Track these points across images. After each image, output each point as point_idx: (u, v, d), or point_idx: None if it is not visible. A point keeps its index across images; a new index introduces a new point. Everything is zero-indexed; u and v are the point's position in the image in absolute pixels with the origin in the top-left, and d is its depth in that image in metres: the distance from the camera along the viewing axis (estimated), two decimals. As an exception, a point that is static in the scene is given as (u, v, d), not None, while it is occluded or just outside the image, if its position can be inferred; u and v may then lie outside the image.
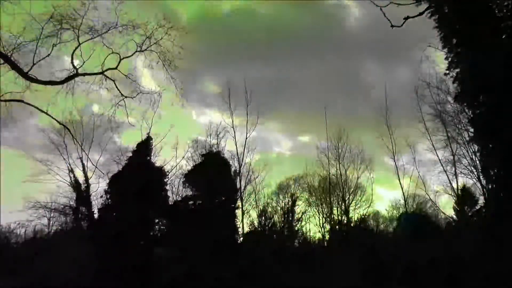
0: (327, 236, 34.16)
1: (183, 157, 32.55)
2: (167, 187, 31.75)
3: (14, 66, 14.42)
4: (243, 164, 33.10)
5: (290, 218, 33.57)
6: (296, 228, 34.01)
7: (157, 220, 30.84)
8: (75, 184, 30.68)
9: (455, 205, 30.59)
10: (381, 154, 35.60)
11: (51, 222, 32.93)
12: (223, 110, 34.71)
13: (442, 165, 30.78)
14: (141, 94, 17.89)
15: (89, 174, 30.99)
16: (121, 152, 31.60)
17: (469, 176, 29.84)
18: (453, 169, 30.38)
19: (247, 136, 33.66)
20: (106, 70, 17.16)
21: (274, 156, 51.35)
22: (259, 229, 32.86)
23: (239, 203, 31.89)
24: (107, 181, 30.42)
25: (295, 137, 62.80)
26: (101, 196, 30.43)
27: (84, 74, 16.69)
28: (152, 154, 32.00)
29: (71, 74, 16.09)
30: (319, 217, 34.49)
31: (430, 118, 31.63)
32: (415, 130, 33.00)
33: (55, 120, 17.72)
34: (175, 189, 32.00)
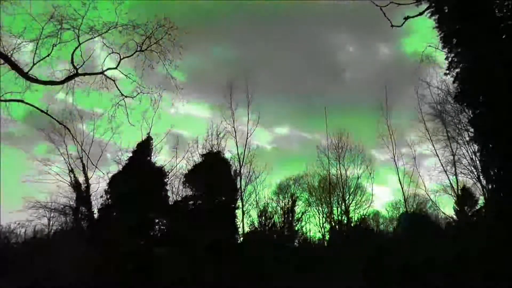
0: (327, 236, 34.20)
1: (183, 157, 32.62)
2: (167, 187, 31.77)
3: (14, 66, 14.42)
4: (243, 164, 33.19)
5: (290, 218, 33.56)
6: (296, 228, 34.00)
7: (157, 220, 30.84)
8: (75, 184, 30.68)
9: (455, 205, 30.64)
10: (381, 154, 35.75)
11: (51, 222, 33.00)
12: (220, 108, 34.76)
13: (442, 165, 30.87)
14: (141, 94, 17.86)
15: (89, 174, 31.06)
16: (121, 152, 31.59)
17: (469, 176, 29.95)
18: (453, 169, 30.47)
19: (248, 136, 33.78)
20: (106, 70, 17.17)
21: (254, 150, 49.52)
22: (259, 229, 32.85)
23: (239, 203, 31.93)
24: (107, 181, 30.47)
25: (272, 129, 59.51)
26: (101, 196, 30.47)
27: (84, 74, 16.65)
28: (152, 154, 32.05)
29: (71, 74, 16.06)
30: (319, 217, 34.57)
31: (430, 118, 31.78)
32: (415, 130, 33.18)
33: (55, 120, 17.76)
34: (175, 189, 32.02)
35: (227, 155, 33.28)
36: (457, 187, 30.41)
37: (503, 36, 17.11)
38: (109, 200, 30.26)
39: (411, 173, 32.81)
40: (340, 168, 34.16)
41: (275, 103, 58.58)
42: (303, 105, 61.43)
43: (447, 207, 33.82)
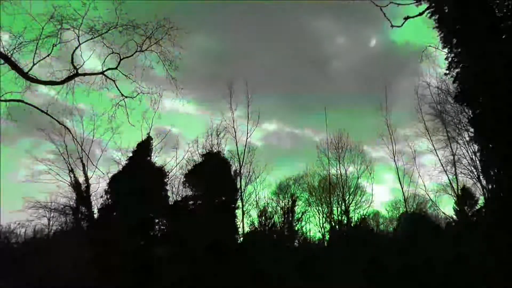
0: (327, 236, 34.20)
1: (183, 157, 32.62)
2: (167, 187, 31.78)
3: (14, 66, 14.42)
4: (243, 164, 33.18)
5: (290, 218, 33.57)
6: (296, 228, 34.01)
7: (157, 220, 30.84)
8: (75, 184, 30.65)
9: (455, 205, 30.65)
10: (381, 154, 35.76)
11: (51, 222, 32.97)
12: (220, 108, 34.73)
13: (442, 165, 30.87)
14: (141, 94, 17.88)
15: (89, 174, 31.05)
16: (121, 152, 31.58)
17: (469, 176, 29.95)
18: (453, 169, 30.47)
19: (248, 136, 33.77)
20: (106, 70, 17.19)
21: (254, 150, 45.00)
22: (259, 229, 32.86)
23: (239, 203, 31.93)
24: (107, 181, 30.46)
25: (259, 124, 58.01)
26: (101, 196, 30.47)
27: (84, 74, 16.68)
28: (152, 154, 32.05)
29: (71, 74, 16.07)
30: (319, 217, 34.59)
31: (430, 118, 31.80)
32: (415, 130, 33.21)
33: (55, 120, 17.73)
34: (175, 189, 32.04)
35: (227, 155, 33.36)
36: (457, 187, 30.47)
37: (503, 36, 17.09)
38: (109, 200, 30.25)
39: (410, 173, 32.92)
40: (340, 168, 34.24)
41: (261, 97, 56.65)
42: (290, 99, 59.29)
43: (447, 207, 33.85)
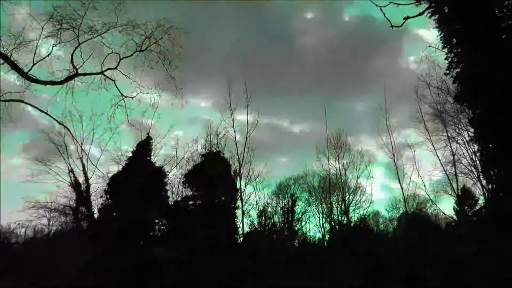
0: (327, 236, 34.20)
1: (183, 157, 32.62)
2: (167, 187, 31.77)
3: (14, 66, 14.47)
4: (243, 164, 33.18)
5: (290, 218, 33.56)
6: (296, 228, 34.01)
7: (157, 220, 30.82)
8: (75, 184, 30.63)
9: (455, 205, 30.65)
10: (381, 154, 35.74)
11: (51, 222, 32.90)
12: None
13: (442, 165, 30.86)
14: (141, 94, 17.94)
15: (89, 174, 31.03)
16: (121, 152, 31.56)
17: (469, 176, 29.92)
18: (453, 169, 30.46)
19: (247, 136, 33.77)
20: (106, 70, 17.28)
21: (254, 150, 40.96)
22: (259, 229, 32.85)
23: (239, 203, 31.93)
24: (107, 181, 30.42)
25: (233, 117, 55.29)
26: (101, 196, 30.43)
27: (84, 74, 16.77)
28: (152, 154, 32.05)
29: (71, 74, 16.16)
30: (319, 217, 34.59)
31: (430, 118, 31.78)
32: (415, 130, 33.22)
33: (55, 120, 17.83)
34: (175, 189, 32.03)
35: (227, 155, 33.35)
36: (457, 187, 30.45)
37: (503, 36, 17.09)
38: (109, 200, 30.24)
39: (411, 173, 32.91)
40: (340, 168, 34.23)
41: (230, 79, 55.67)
42: (262, 84, 57.00)
43: (447, 207, 33.81)
